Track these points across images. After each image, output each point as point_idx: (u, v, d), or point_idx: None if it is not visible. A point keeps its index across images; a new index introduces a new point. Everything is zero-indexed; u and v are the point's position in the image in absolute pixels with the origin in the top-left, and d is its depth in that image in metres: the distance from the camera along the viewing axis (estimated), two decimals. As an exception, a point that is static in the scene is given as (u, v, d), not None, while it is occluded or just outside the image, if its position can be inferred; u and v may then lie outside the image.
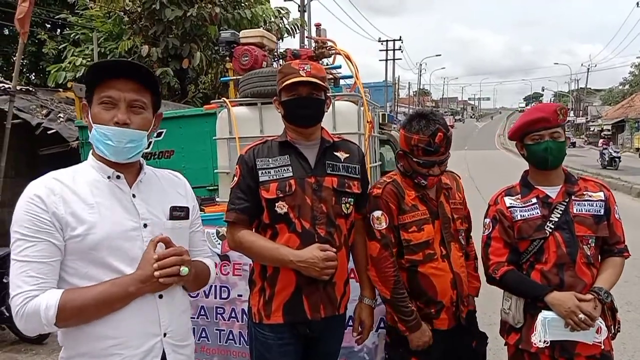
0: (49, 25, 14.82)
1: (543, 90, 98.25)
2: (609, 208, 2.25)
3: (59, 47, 13.18)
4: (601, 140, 27.37)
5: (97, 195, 1.61)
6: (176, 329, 1.69)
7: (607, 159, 22.93)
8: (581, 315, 2.05)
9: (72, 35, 12.98)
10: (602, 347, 2.14)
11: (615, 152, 23.26)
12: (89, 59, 11.50)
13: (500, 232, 2.29)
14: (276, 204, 2.14)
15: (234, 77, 4.72)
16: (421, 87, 72.03)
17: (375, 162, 4.73)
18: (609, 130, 48.59)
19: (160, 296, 1.64)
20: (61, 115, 8.16)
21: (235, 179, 2.23)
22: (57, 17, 13.34)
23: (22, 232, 1.51)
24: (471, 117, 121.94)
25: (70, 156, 7.61)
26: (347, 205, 2.23)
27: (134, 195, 1.67)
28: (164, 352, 1.64)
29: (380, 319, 2.65)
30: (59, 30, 15.09)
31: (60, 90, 10.25)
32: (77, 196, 1.58)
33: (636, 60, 44.94)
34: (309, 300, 2.15)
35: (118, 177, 1.67)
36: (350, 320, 2.44)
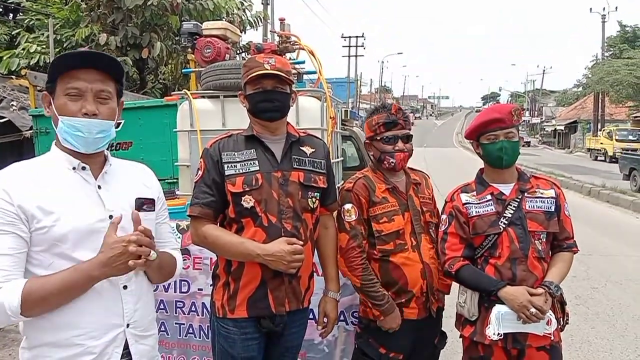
0: (0, 10, 14.22)
1: (500, 90, 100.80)
2: (559, 205, 2.34)
3: (12, 33, 12.68)
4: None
5: (62, 187, 1.59)
6: (140, 320, 1.69)
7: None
8: (532, 309, 2.13)
9: (26, 21, 12.52)
10: (552, 338, 2.23)
11: None
12: (44, 46, 11.13)
13: (456, 228, 2.36)
14: (242, 198, 2.13)
15: (196, 69, 4.66)
16: (383, 84, 72.75)
17: (338, 157, 4.77)
18: (562, 130, 50.31)
19: (125, 287, 1.64)
20: (14, 103, 7.88)
21: (200, 172, 2.21)
22: (10, 0, 12.82)
23: None
24: (430, 114, 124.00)
25: (23, 146, 7.37)
26: (313, 199, 2.25)
27: (99, 187, 1.66)
28: (126, 342, 1.64)
29: (341, 311, 2.69)
30: (11, 14, 14.50)
31: (13, 77, 9.89)
32: (43, 188, 1.56)
33: (589, 63, 46.57)
34: (273, 294, 2.15)
35: (83, 168, 1.65)
36: (312, 314, 2.46)
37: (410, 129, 2.50)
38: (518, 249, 2.25)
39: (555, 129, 50.99)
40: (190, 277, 2.86)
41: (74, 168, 1.63)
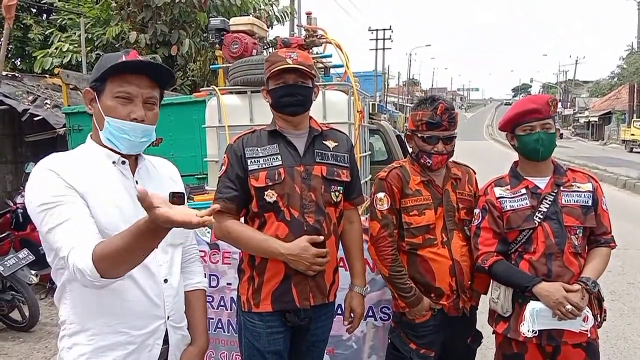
0: (34, 10, 14.54)
1: (531, 81, 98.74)
2: (596, 199, 2.27)
3: (45, 33, 12.95)
4: None
5: (104, 179, 1.62)
6: (177, 312, 1.74)
7: None
8: (568, 306, 2.07)
9: (58, 21, 12.77)
10: (589, 335, 2.16)
11: None
12: (76, 45, 11.34)
13: (489, 222, 2.31)
14: (265, 193, 2.13)
15: (224, 65, 4.68)
16: (411, 77, 72.07)
17: (365, 151, 4.73)
18: (596, 121, 49.06)
19: (166, 280, 1.68)
20: (48, 101, 8.06)
21: (224, 167, 2.23)
22: (43, 1, 13.09)
23: (46, 202, 1.48)
24: (460, 107, 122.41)
25: (56, 143, 7.53)
26: (336, 193, 2.23)
27: (137, 182, 1.69)
28: (166, 333, 1.69)
29: (369, 307, 2.67)
30: (45, 15, 14.82)
31: (47, 76, 10.11)
32: (87, 176, 1.58)
33: (624, 53, 45.27)
34: (297, 288, 2.15)
35: (123, 162, 1.68)
36: (339, 309, 2.45)
37: (454, 130, 2.40)
38: (554, 244, 2.19)
39: (589, 120, 49.73)
40: (220, 271, 2.88)
41: (113, 162, 1.66)
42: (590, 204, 2.25)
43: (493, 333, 2.38)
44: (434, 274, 2.33)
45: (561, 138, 40.63)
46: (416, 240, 2.35)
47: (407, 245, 2.36)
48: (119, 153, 1.66)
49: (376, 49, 45.11)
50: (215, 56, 5.78)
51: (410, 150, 2.52)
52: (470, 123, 67.18)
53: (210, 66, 8.70)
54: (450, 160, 2.48)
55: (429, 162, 2.38)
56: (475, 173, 2.59)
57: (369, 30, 45.69)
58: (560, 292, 2.09)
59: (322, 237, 2.11)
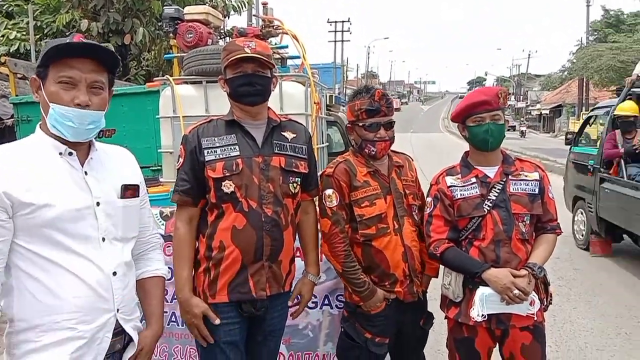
0: (-23, -5, 13.90)
1: (486, 74, 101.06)
2: (543, 187, 2.35)
3: (-10, 19, 12.40)
4: None
5: (50, 172, 1.58)
6: (127, 304, 1.72)
7: None
8: (515, 291, 2.14)
9: (4, 7, 12.25)
10: (535, 318, 2.25)
11: None
12: (24, 33, 10.92)
13: (441, 211, 2.36)
14: (223, 183, 2.12)
15: (178, 55, 4.61)
16: (369, 69, 72.59)
17: (323, 143, 4.75)
18: (547, 114, 50.68)
19: (114, 273, 1.65)
20: (-7, 91, 7.73)
21: (181, 160, 2.20)
22: (-13, -14, 12.53)
23: None
24: (417, 100, 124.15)
25: (5, 134, 7.25)
26: (294, 184, 2.24)
27: (85, 173, 1.64)
28: (117, 324, 1.67)
29: (325, 295, 2.70)
30: (-11, 0, 14.19)
31: (-8, 64, 9.68)
32: (30, 171, 1.54)
33: (574, 48, 46.90)
34: (254, 278, 2.15)
35: (70, 153, 1.63)
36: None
37: (392, 115, 2.47)
38: (502, 231, 2.26)
39: (541, 113, 51.34)
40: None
41: (60, 153, 1.62)
42: (537, 192, 2.33)
43: (445, 318, 2.45)
44: (388, 262, 2.37)
45: (513, 130, 41.79)
46: (370, 231, 2.37)
47: (362, 237, 2.38)
48: (66, 143, 1.61)
49: (335, 41, 45.22)
50: (170, 45, 5.68)
51: (352, 142, 2.53)
52: (427, 115, 68.31)
53: (165, 56, 8.54)
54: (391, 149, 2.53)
55: (373, 151, 2.40)
56: (412, 160, 2.66)
57: (328, 22, 45.75)
58: (508, 278, 2.17)
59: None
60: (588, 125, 7.88)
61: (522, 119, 54.73)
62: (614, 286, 5.55)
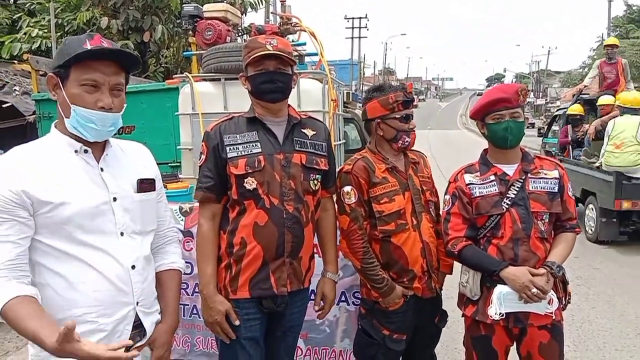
0: (1, -7, 14.14)
1: (505, 71, 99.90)
2: (562, 186, 2.34)
3: (13, 17, 12.61)
4: None
5: (66, 170, 1.61)
6: (147, 297, 1.75)
7: None
8: (534, 290, 2.13)
9: (27, 5, 12.44)
10: (553, 317, 2.24)
11: None
12: (46, 30, 11.08)
13: (459, 208, 2.36)
14: (245, 180, 2.14)
15: (197, 52, 4.64)
16: (386, 66, 72.28)
17: (340, 140, 4.76)
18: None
19: (133, 266, 1.68)
20: (17, 88, 7.87)
21: (203, 157, 2.23)
22: (10, -16, 12.75)
23: None
24: (434, 96, 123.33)
25: (26, 130, 7.38)
26: (315, 181, 2.25)
27: (102, 169, 1.67)
28: (137, 317, 1.70)
29: (342, 292, 2.71)
30: (12, -2, 14.42)
31: (15, 62, 9.87)
32: (47, 170, 1.57)
33: (595, 44, 46.17)
34: (275, 275, 2.17)
35: (86, 151, 1.66)
36: (312, 294, 2.48)
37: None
38: (520, 229, 2.25)
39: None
40: (194, 259, 2.85)
41: (76, 151, 1.65)
42: (556, 190, 2.32)
43: (462, 316, 2.45)
44: (407, 259, 2.38)
45: (533, 127, 41.29)
46: (389, 227, 2.38)
47: (381, 233, 2.39)
48: (81, 140, 1.64)
49: (352, 38, 45.07)
50: (189, 43, 5.73)
51: (372, 140, 2.54)
52: (444, 112, 67.82)
53: (184, 53, 8.60)
54: None
55: (407, 141, 2.45)
56: (426, 157, 2.69)
57: (345, 18, 45.64)
58: (527, 276, 2.16)
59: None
60: (555, 123, 10.86)
61: (541, 116, 54.06)
62: (634, 286, 5.48)
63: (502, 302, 2.19)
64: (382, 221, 2.39)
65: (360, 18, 45.49)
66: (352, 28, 45.08)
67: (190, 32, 4.69)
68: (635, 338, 4.23)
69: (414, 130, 2.48)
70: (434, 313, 2.53)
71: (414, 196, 2.43)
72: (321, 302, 2.39)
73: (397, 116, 2.42)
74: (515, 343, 2.34)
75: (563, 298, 2.30)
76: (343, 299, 2.75)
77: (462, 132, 37.85)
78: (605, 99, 8.34)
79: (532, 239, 2.25)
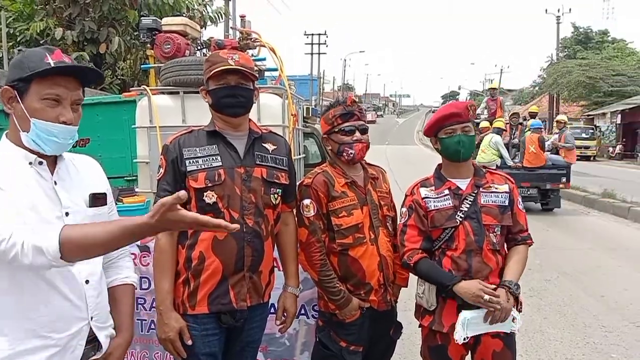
0: (-53, 1, 13.63)
1: (459, 89, 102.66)
2: (512, 199, 2.43)
3: (-40, 26, 12.16)
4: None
5: (19, 181, 1.57)
6: (100, 312, 1.73)
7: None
8: (486, 296, 2.21)
9: (-25, 14, 12.01)
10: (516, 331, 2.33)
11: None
12: (-4, 40, 10.72)
13: (415, 221, 2.42)
14: (205, 194, 2.13)
15: (155, 65, 4.61)
16: (345, 82, 73.15)
17: (299, 154, 4.79)
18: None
19: (87, 281, 1.66)
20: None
21: (162, 170, 2.21)
22: (-42, -8, 12.30)
23: None
24: (392, 112, 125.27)
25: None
26: (276, 195, 2.27)
27: (55, 183, 1.65)
28: (91, 332, 1.68)
29: (302, 305, 2.72)
30: (-41, 6, 13.92)
31: (-38, 72, 9.49)
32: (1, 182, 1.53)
33: (544, 64, 48.15)
34: (234, 289, 2.16)
35: (40, 163, 1.63)
36: (272, 308, 2.48)
37: (366, 121, 2.54)
38: (473, 242, 2.33)
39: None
40: (151, 274, 2.81)
41: (30, 163, 1.62)
42: (507, 204, 2.41)
43: (419, 327, 2.50)
44: (364, 272, 2.41)
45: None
46: (347, 240, 2.41)
47: (339, 246, 2.42)
48: (36, 153, 1.62)
49: (311, 54, 45.54)
50: (146, 55, 5.67)
51: (329, 152, 2.58)
52: (402, 128, 68.94)
53: (141, 66, 8.50)
54: (365, 161, 2.59)
55: (351, 154, 2.44)
56: (385, 172, 2.73)
57: (305, 34, 46.09)
58: (477, 286, 2.23)
59: None
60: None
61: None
62: (584, 297, 5.68)
63: (466, 326, 2.25)
64: (340, 234, 2.41)
65: (319, 34, 46.06)
66: (312, 44, 45.61)
67: (149, 45, 4.65)
68: (585, 347, 4.38)
69: (362, 142, 2.46)
70: (389, 325, 2.56)
71: (372, 211, 2.47)
72: (282, 316, 2.39)
73: (336, 130, 2.46)
74: (470, 352, 2.41)
75: (514, 307, 2.39)
76: (303, 312, 2.76)
77: (419, 148, 38.55)
78: (483, 123, 11.96)
79: (484, 250, 2.33)
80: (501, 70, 70.64)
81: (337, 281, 2.40)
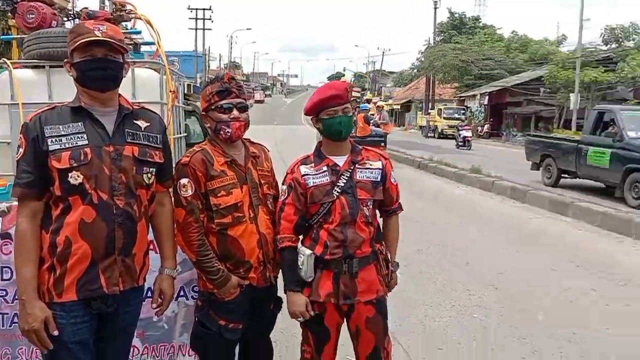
0: None
1: (344, 70, 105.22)
2: (385, 175, 2.60)
3: None
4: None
5: None
6: None
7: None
8: (300, 318, 2.47)
9: None
10: (378, 293, 2.51)
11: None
12: None
13: (293, 199, 2.50)
14: (69, 175, 2.01)
15: (18, 36, 4.24)
16: (232, 60, 71.87)
17: (180, 133, 4.67)
18: (399, 109, 54.24)
19: None
20: None
21: (21, 150, 2.05)
22: None
23: None
24: (280, 92, 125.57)
25: None
26: (149, 175, 2.19)
27: None
28: None
29: (181, 287, 2.69)
30: None
31: None
32: None
33: (423, 47, 50.78)
34: (105, 274, 2.08)
35: None
36: (149, 292, 2.42)
37: (245, 99, 2.53)
38: (348, 215, 2.46)
39: (392, 108, 54.92)
40: (12, 262, 2.63)
41: None
42: (379, 179, 2.57)
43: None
44: (243, 250, 2.43)
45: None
46: (226, 220, 2.41)
47: (217, 226, 2.41)
48: None
49: (196, 29, 44.12)
50: (9, 26, 5.18)
51: (208, 130, 2.55)
52: (289, 108, 69.49)
53: (1, 37, 7.72)
54: (247, 139, 2.61)
55: (228, 132, 2.43)
56: (268, 150, 2.75)
57: (188, 9, 44.43)
58: (302, 306, 2.45)
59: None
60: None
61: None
62: (450, 266, 6.19)
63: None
64: (218, 214, 2.40)
65: (204, 9, 44.65)
66: (196, 19, 44.14)
67: (10, 14, 4.25)
68: (451, 309, 4.80)
69: (239, 120, 2.44)
70: (269, 301, 2.61)
71: (252, 189, 2.48)
72: (159, 299, 2.35)
73: (213, 107, 2.44)
74: (345, 320, 2.55)
75: (386, 276, 2.57)
76: (182, 293, 2.73)
77: (306, 128, 39.00)
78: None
79: (357, 223, 2.47)
80: (383, 52, 73.54)
81: (216, 260, 2.40)
